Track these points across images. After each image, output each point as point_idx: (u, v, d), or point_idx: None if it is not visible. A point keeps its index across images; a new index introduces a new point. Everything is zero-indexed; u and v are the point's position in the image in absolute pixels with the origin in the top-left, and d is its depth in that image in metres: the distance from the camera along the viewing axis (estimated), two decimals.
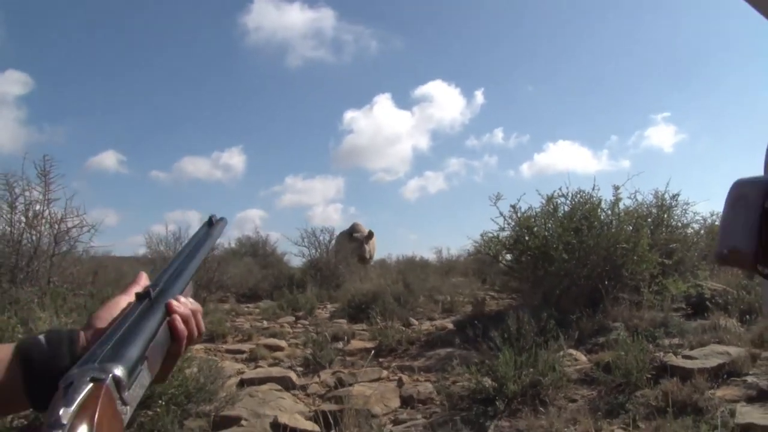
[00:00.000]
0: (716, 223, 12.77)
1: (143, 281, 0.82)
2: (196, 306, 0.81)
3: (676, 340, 6.40)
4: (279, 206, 39.10)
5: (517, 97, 51.32)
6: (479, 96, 47.87)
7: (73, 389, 0.55)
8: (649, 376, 5.39)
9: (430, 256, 21.16)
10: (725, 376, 5.30)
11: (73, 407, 0.52)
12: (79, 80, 43.75)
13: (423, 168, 50.31)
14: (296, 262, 17.61)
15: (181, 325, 0.75)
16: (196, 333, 0.79)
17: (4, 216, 6.99)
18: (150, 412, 4.82)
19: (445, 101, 49.22)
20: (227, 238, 17.41)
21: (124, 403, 0.59)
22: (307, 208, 44.89)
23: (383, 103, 46.96)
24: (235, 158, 46.30)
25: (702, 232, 11.47)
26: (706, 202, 17.80)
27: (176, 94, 46.30)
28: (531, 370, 5.30)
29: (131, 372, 0.61)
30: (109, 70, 44.47)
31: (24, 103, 43.40)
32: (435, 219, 41.56)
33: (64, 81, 43.49)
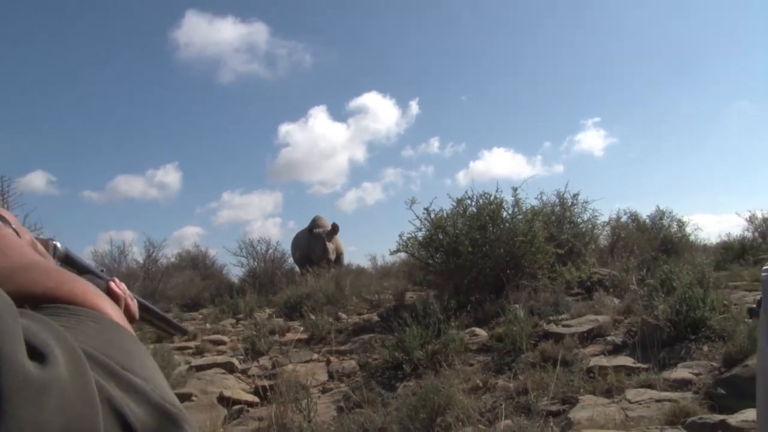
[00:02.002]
0: (620, 219, 14.37)
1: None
2: (134, 299, 0.94)
3: (563, 316, 7.57)
4: (216, 222, 39.18)
5: (451, 107, 52.87)
6: (414, 106, 49.13)
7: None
8: (533, 342, 6.51)
9: (366, 263, 21.59)
10: (593, 338, 6.48)
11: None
12: (2, 97, 42.91)
13: (360, 179, 51.20)
14: (236, 272, 18.17)
15: (116, 288, 0.86)
16: (131, 311, 0.91)
17: None
18: None
19: (381, 112, 50.28)
20: (168, 254, 17.67)
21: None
22: (245, 223, 44.94)
23: (318, 115, 47.67)
24: (170, 175, 46.04)
25: (604, 226, 12.95)
26: (602, 200, 19.56)
27: (108, 112, 45.76)
28: (434, 341, 6.33)
29: (67, 260, 0.85)
30: (36, 87, 43.66)
31: None
32: (373, 230, 42.47)
33: None
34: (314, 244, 16.11)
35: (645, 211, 15.91)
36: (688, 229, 14.85)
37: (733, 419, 3.29)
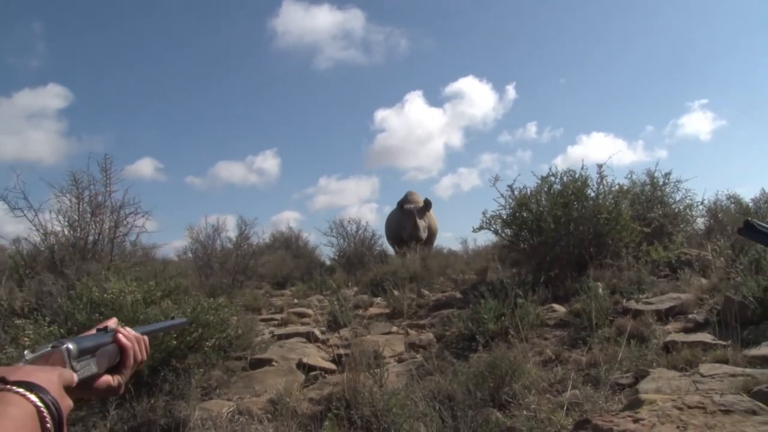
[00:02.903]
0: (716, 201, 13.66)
1: (111, 323, 1.03)
2: (141, 337, 1.07)
3: (645, 294, 7.38)
4: (313, 208, 40.27)
5: (549, 91, 51.67)
6: (511, 91, 48.38)
7: (40, 349, 0.84)
8: (611, 318, 6.42)
9: (458, 247, 21.52)
10: (675, 315, 6.31)
11: (35, 354, 0.82)
12: (115, 91, 45.71)
13: (456, 165, 50.97)
14: (327, 253, 18.65)
15: (124, 339, 1.00)
16: (140, 355, 1.04)
17: (72, 206, 8.34)
18: (199, 355, 6.00)
19: (477, 97, 49.84)
20: (261, 235, 18.24)
21: (72, 368, 0.84)
22: (341, 208, 45.91)
23: (415, 101, 47.77)
24: (269, 161, 47.73)
25: (699, 206, 12.38)
26: (695, 178, 18.64)
27: (209, 101, 47.98)
28: (509, 314, 6.38)
29: (81, 352, 0.88)
30: (144, 79, 46.34)
31: (64, 115, 45.49)
32: (468, 216, 42.21)
33: (101, 92, 45.47)
34: (405, 220, 15.23)
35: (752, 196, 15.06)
36: None
37: None
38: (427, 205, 15.67)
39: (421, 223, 15.15)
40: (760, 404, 2.95)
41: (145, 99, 47.96)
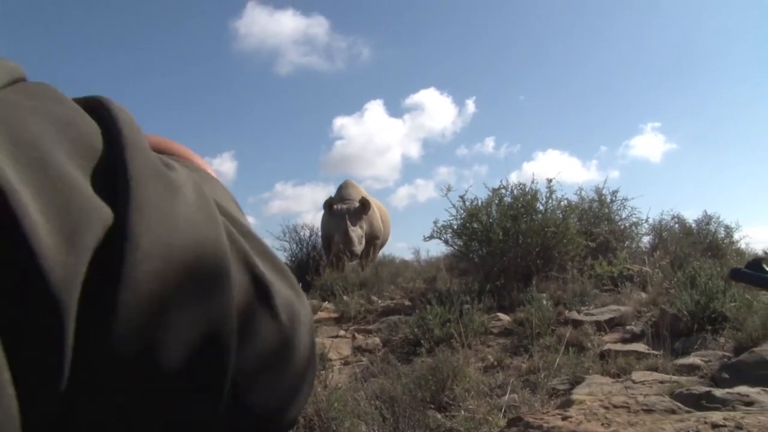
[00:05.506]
0: (661, 220, 14.14)
1: None
2: None
3: (587, 307, 7.62)
4: (268, 213, 40.19)
5: (508, 107, 52.68)
6: (471, 105, 49.17)
7: None
8: (553, 328, 6.61)
9: (411, 257, 21.53)
10: (613, 326, 6.54)
11: None
12: (69, 91, 44.79)
13: (413, 176, 51.44)
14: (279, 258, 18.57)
15: None
16: None
17: None
18: None
19: (437, 110, 50.53)
20: None
21: None
22: (296, 214, 45.81)
23: (375, 110, 48.15)
24: (225, 164, 47.42)
25: (645, 225, 12.79)
26: (643, 197, 19.35)
27: (165, 100, 47.43)
28: (454, 321, 6.50)
29: None
30: (98, 77, 45.54)
31: None
32: (423, 227, 42.63)
33: None
34: (334, 225, 11.67)
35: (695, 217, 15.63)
36: (737, 236, 14.48)
37: (719, 391, 3.37)
38: (365, 206, 11.93)
39: (355, 232, 11.58)
40: (679, 404, 3.12)
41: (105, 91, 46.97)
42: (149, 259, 0.30)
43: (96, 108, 0.36)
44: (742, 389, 3.39)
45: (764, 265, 1.33)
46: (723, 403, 3.15)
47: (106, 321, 0.29)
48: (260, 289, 0.38)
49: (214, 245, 0.34)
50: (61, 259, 0.27)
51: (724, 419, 2.72)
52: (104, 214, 0.30)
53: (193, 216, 0.34)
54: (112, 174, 0.32)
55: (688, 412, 3.05)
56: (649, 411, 3.05)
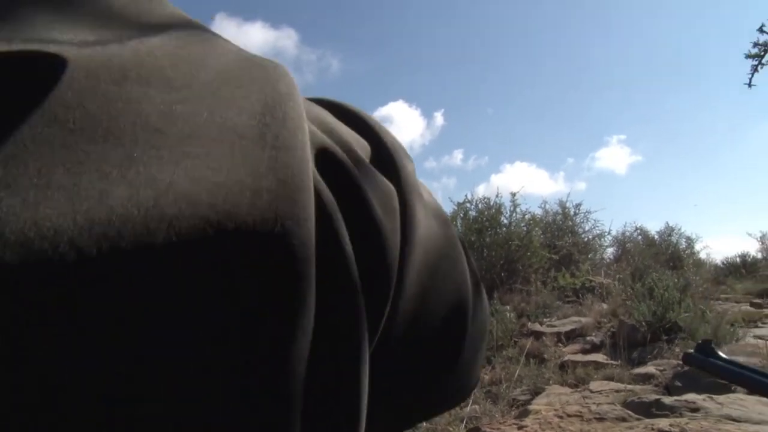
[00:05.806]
0: (624, 232, 14.44)
1: None
2: None
3: (550, 319, 7.76)
4: None
5: (477, 120, 53.20)
6: (439, 117, 49.54)
7: None
8: (516, 340, 6.72)
9: None
10: (574, 338, 6.67)
11: None
12: None
13: None
14: None
15: None
16: None
17: None
18: None
19: (406, 122, 50.80)
20: None
21: None
22: None
23: None
24: None
25: (608, 237, 13.06)
26: (606, 210, 19.61)
27: None
28: None
29: None
30: None
31: None
32: None
33: None
34: None
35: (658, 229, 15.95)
36: (698, 247, 14.86)
37: (668, 399, 3.49)
38: None
39: None
40: (630, 412, 3.23)
41: None
42: (422, 240, 0.32)
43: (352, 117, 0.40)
44: (690, 396, 3.51)
45: (714, 346, 1.32)
46: (671, 410, 3.27)
47: (395, 297, 0.30)
48: (470, 263, 0.40)
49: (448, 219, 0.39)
50: (395, 240, 0.30)
51: (670, 425, 2.82)
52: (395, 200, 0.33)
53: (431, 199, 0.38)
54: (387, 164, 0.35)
55: (638, 419, 3.15)
56: (601, 419, 3.15)
